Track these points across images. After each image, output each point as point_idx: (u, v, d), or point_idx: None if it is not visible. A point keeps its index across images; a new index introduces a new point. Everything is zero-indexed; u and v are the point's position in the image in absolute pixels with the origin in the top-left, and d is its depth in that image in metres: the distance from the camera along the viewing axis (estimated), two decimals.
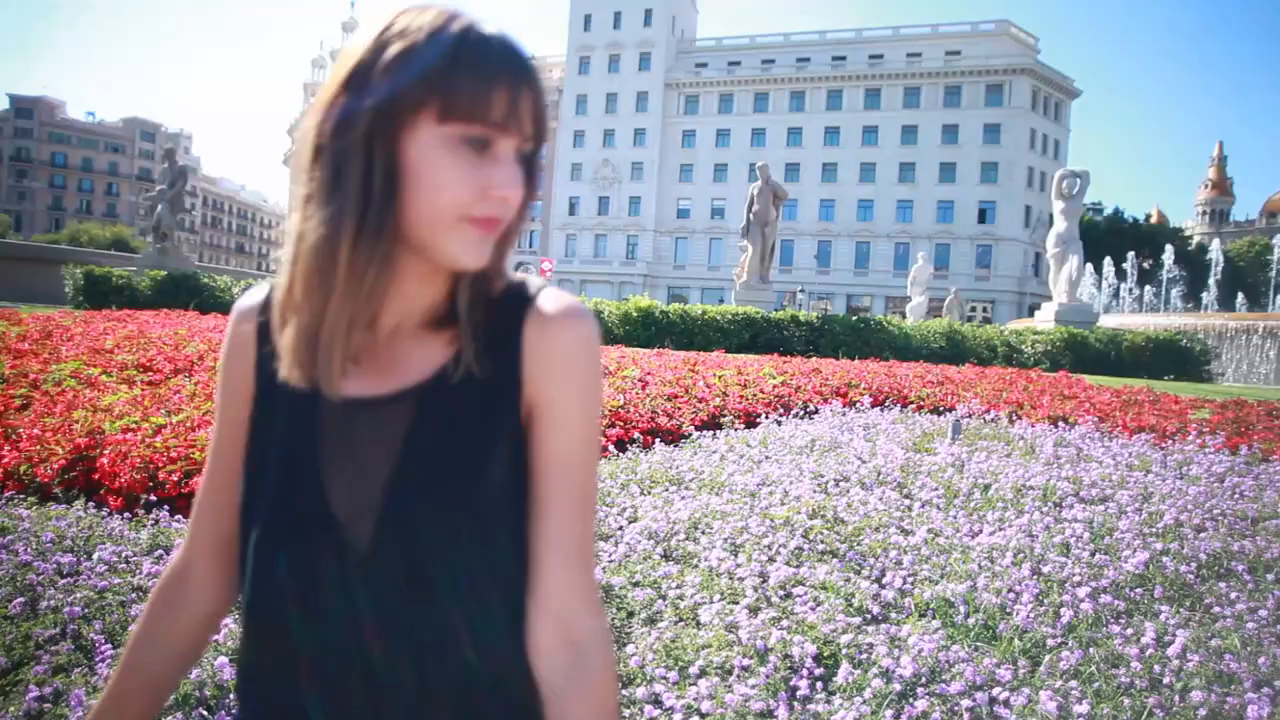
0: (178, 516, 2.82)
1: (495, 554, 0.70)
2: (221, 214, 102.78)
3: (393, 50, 0.65)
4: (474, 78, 0.64)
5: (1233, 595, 2.66)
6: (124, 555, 2.40)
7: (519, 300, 0.74)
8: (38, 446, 3.20)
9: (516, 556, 0.72)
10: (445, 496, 0.69)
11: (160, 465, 3.06)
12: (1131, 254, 33.23)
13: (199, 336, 7.65)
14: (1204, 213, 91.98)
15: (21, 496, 2.89)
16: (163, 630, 0.81)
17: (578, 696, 0.69)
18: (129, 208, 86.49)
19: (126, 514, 2.83)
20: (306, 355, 0.69)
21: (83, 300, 16.88)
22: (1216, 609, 2.59)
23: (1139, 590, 2.70)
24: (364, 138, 0.65)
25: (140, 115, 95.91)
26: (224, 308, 14.33)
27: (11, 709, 1.73)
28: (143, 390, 4.64)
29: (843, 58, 64.51)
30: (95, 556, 2.36)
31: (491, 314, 0.73)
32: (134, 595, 2.17)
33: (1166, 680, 2.11)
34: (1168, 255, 31.16)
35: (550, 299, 0.74)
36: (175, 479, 2.98)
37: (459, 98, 0.64)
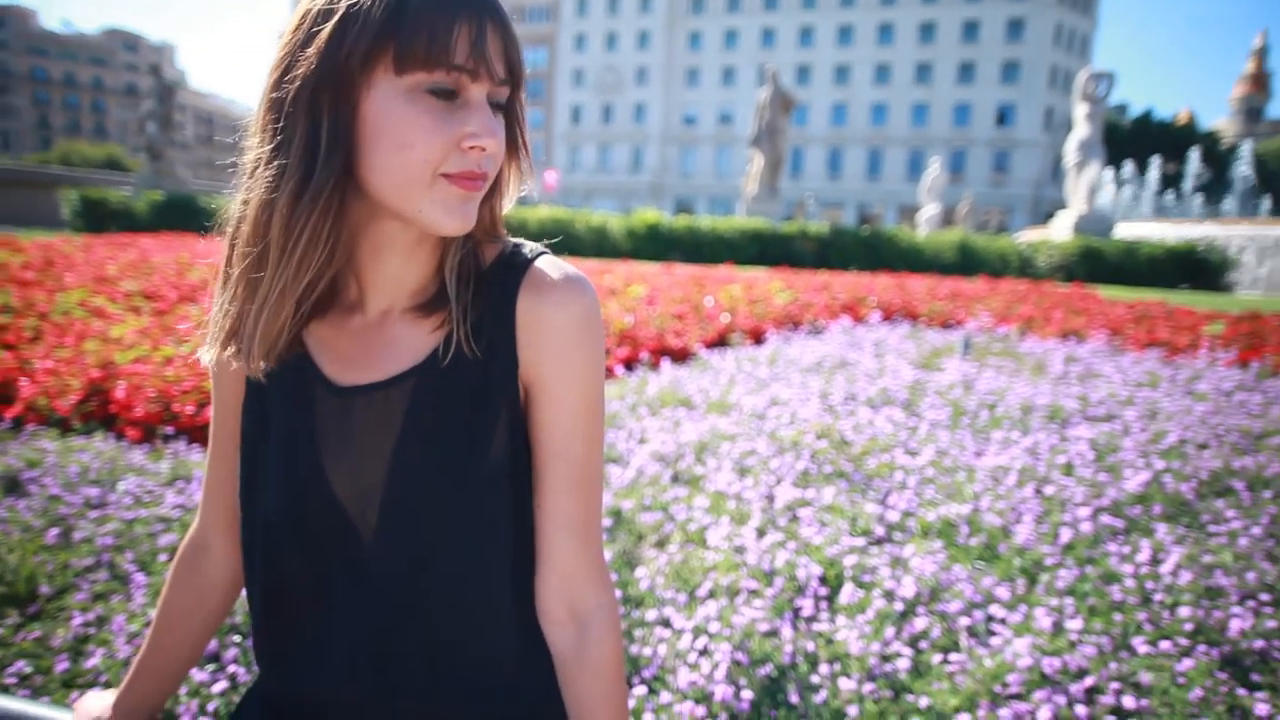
0: (194, 446, 2.89)
1: (500, 533, 0.70)
2: (213, 130, 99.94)
3: (343, 1, 0.60)
4: (429, 20, 0.59)
5: (1229, 513, 2.71)
6: (147, 487, 2.47)
7: (512, 272, 0.70)
8: (53, 379, 3.25)
9: (522, 534, 0.72)
10: (446, 480, 0.68)
11: (174, 397, 3.11)
12: (1157, 157, 32.14)
13: (202, 260, 7.63)
14: (1238, 111, 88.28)
15: (43, 429, 2.96)
16: (185, 601, 0.82)
17: (585, 667, 0.71)
18: (118, 125, 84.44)
19: (145, 445, 2.90)
20: (238, 337, 0.67)
21: (81, 224, 16.75)
22: (1213, 526, 2.64)
23: (1138, 509, 2.76)
24: (310, 94, 0.61)
25: (118, 25, 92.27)
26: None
27: (60, 631, 1.83)
28: (150, 319, 4.67)
29: None
30: (120, 489, 2.44)
31: (483, 289, 0.70)
32: (160, 526, 2.25)
33: (1158, 597, 2.18)
34: (1193, 158, 30.13)
35: (544, 271, 0.70)
36: (189, 411, 3.04)
37: (414, 43, 0.59)
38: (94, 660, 1.74)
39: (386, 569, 0.69)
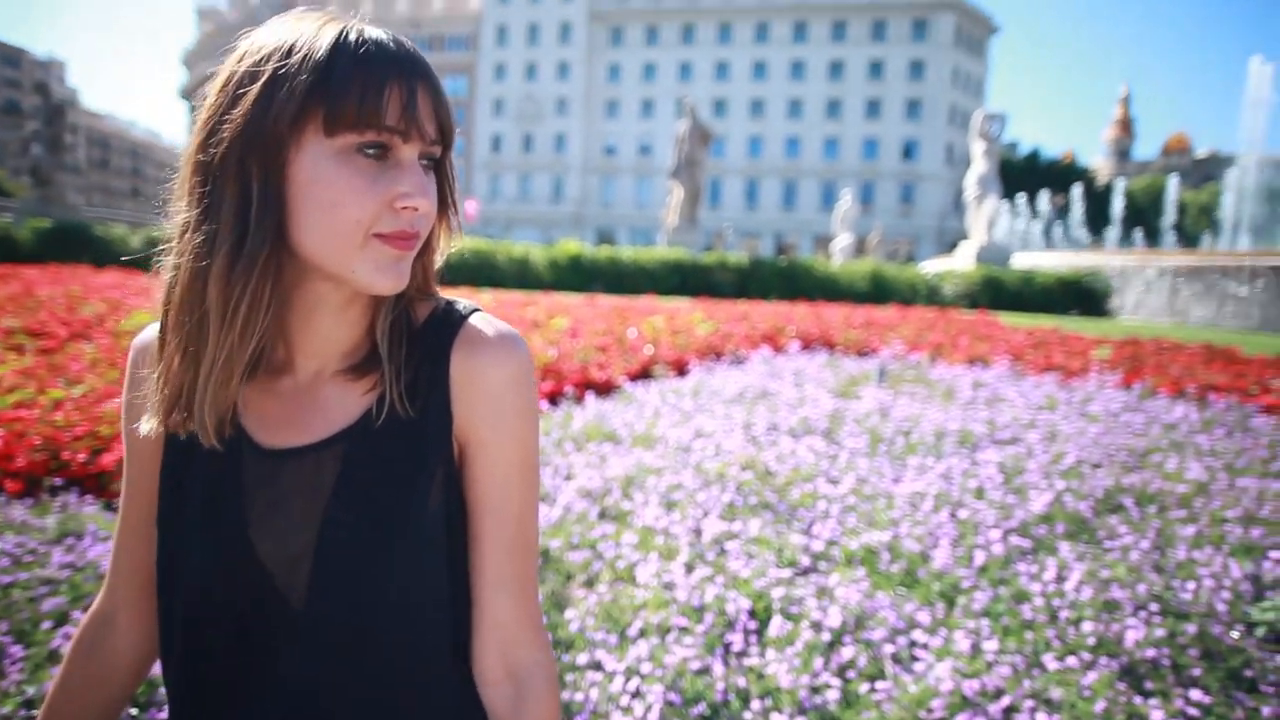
0: (88, 498, 2.69)
1: (435, 595, 0.69)
2: (109, 153, 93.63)
3: (269, 63, 0.60)
4: (359, 82, 0.59)
5: (1121, 528, 2.89)
6: (29, 546, 2.28)
7: (445, 329, 0.70)
8: None
9: (457, 595, 0.70)
10: (378, 543, 0.66)
11: (64, 444, 2.90)
12: (1046, 191, 34.61)
13: (96, 295, 7.19)
14: (1111, 152, 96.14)
15: None
16: (85, 679, 0.76)
17: None
18: None
19: (29, 499, 2.68)
20: (175, 406, 0.65)
21: None
22: (1108, 542, 2.81)
23: (1043, 528, 2.91)
24: (238, 157, 0.60)
25: None
26: (120, 261, 13.44)
27: None
28: (35, 359, 4.35)
29: None
30: None
31: (416, 347, 0.69)
32: (44, 589, 2.07)
33: (1064, 614, 2.30)
34: (1076, 194, 32.59)
35: (478, 328, 0.70)
36: (81, 459, 2.83)
37: (344, 105, 0.59)
38: None
39: (318, 640, 0.66)
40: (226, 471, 0.68)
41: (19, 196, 21.58)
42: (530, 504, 0.72)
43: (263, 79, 0.60)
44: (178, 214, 0.64)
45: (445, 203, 0.70)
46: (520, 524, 0.71)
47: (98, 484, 2.78)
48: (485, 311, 0.73)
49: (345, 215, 0.61)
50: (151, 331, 0.73)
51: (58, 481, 2.75)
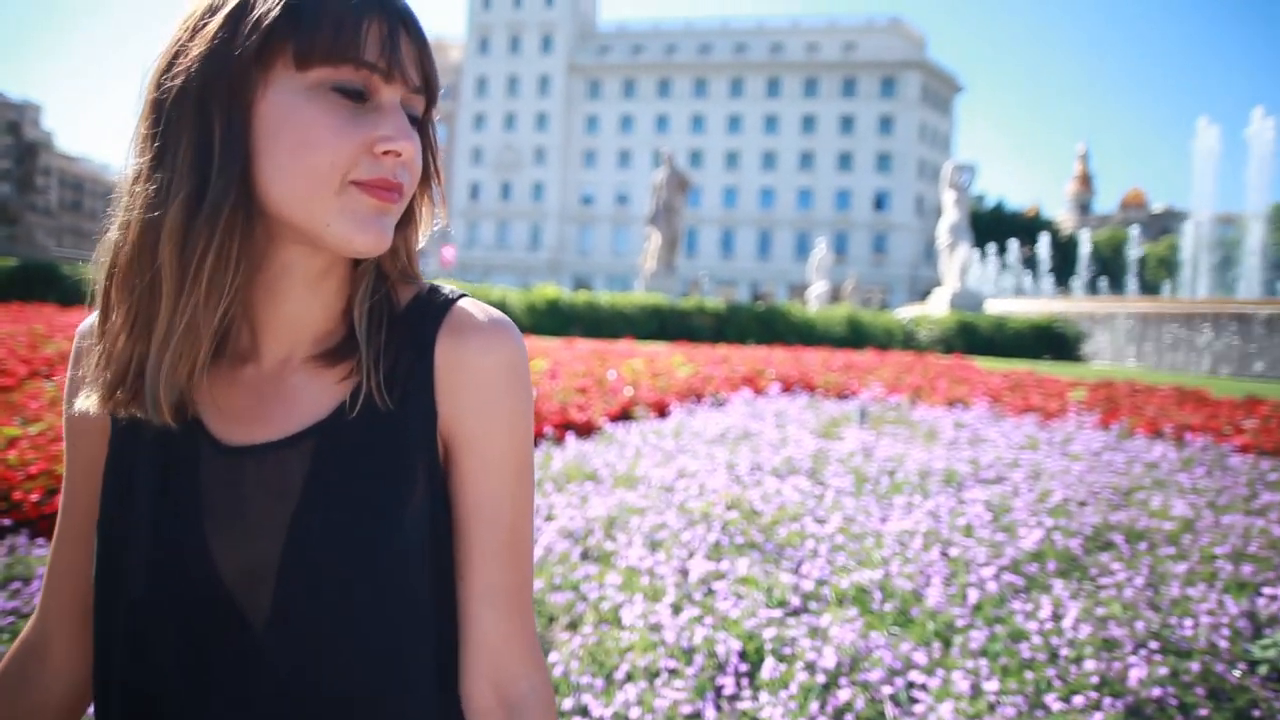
0: (39, 540, 2.54)
1: (417, 611, 0.60)
2: (82, 196, 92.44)
3: None
4: (334, 10, 0.53)
5: (1113, 565, 2.85)
6: None
7: (430, 314, 0.63)
8: None
9: (442, 611, 0.62)
10: (353, 553, 0.58)
11: (16, 483, 2.75)
12: (1015, 242, 35.62)
13: (60, 333, 6.99)
14: (1073, 205, 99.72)
15: None
16: (13, 718, 0.66)
17: None
18: None
19: None
20: (124, 382, 0.57)
21: None
22: (1101, 579, 2.77)
23: (1035, 566, 2.86)
24: (197, 94, 0.53)
25: None
26: (91, 301, 13.17)
27: None
28: None
29: (744, 46, 65.79)
30: None
31: (397, 333, 0.62)
32: None
33: (1064, 652, 2.23)
34: (1043, 244, 33.59)
35: (467, 312, 0.63)
36: (34, 499, 2.68)
37: (318, 34, 0.52)
38: None
39: (283, 663, 0.57)
40: (179, 471, 0.60)
41: None
42: (524, 508, 0.63)
43: (228, 6, 0.53)
44: (130, 160, 0.56)
45: (428, 172, 0.62)
46: (513, 531, 0.62)
47: (50, 526, 2.61)
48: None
49: (319, 158, 0.53)
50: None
51: (6, 523, 2.60)
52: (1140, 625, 2.32)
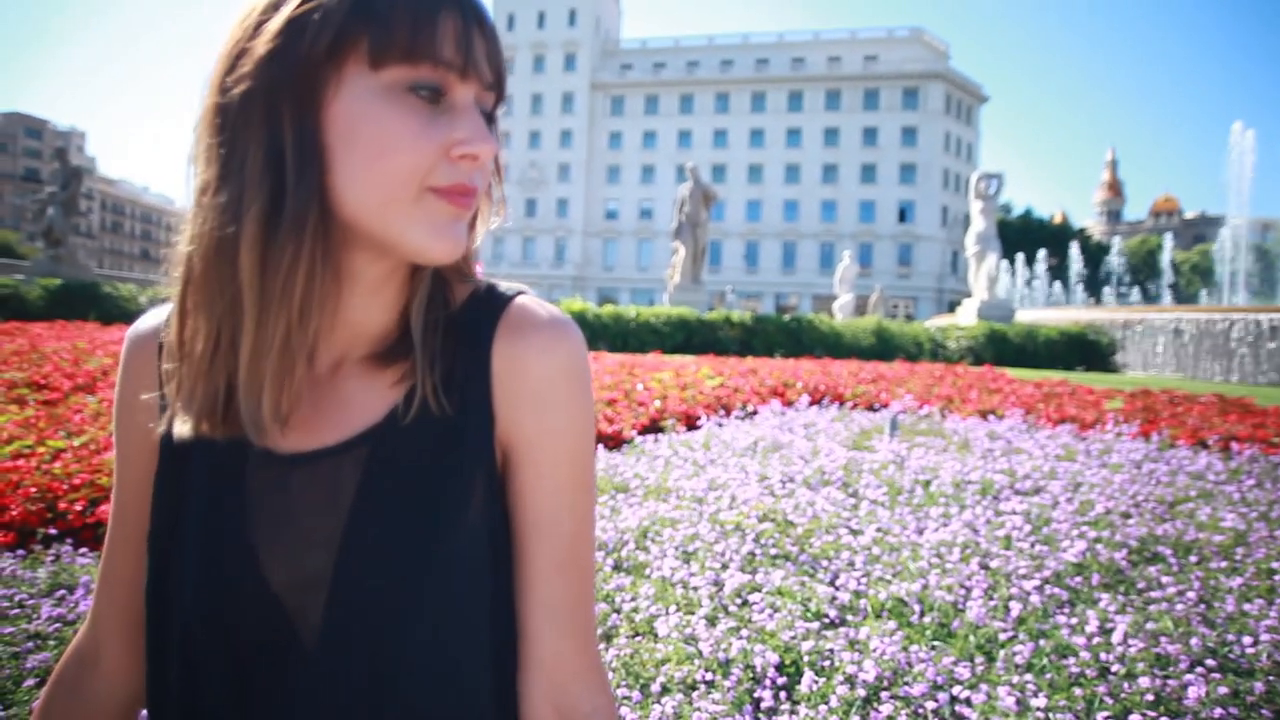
0: (83, 550, 2.58)
1: (473, 627, 0.58)
2: (123, 218, 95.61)
3: None
4: (408, 5, 0.50)
5: (1162, 579, 2.76)
6: (17, 599, 2.16)
7: (487, 313, 0.60)
8: None
9: (501, 625, 0.59)
10: (408, 563, 0.56)
11: (61, 494, 2.80)
12: (1043, 251, 35.13)
13: (102, 349, 7.15)
14: (1101, 213, 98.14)
15: None
16: None
17: None
18: (12, 210, 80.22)
19: (20, 550, 2.57)
20: (218, 405, 0.54)
21: None
22: (1150, 593, 2.68)
23: (1078, 579, 2.78)
24: (264, 99, 0.50)
25: (22, 109, 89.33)
26: (129, 318, 13.54)
27: None
28: (37, 410, 4.28)
29: (765, 61, 65.89)
30: None
31: (453, 334, 0.59)
32: (30, 645, 1.95)
33: (1115, 668, 2.16)
34: (1074, 252, 33.09)
35: (526, 310, 0.60)
36: (79, 509, 2.73)
37: (393, 31, 0.49)
38: None
39: (335, 679, 0.55)
40: (229, 481, 0.58)
41: (32, 258, 21.76)
42: (586, 518, 0.60)
43: (290, 3, 0.50)
44: (196, 170, 0.53)
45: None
46: (574, 541, 0.60)
47: (94, 535, 2.67)
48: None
49: (398, 163, 0.51)
50: (154, 316, 0.63)
51: (52, 532, 2.65)
52: (1195, 642, 2.24)
